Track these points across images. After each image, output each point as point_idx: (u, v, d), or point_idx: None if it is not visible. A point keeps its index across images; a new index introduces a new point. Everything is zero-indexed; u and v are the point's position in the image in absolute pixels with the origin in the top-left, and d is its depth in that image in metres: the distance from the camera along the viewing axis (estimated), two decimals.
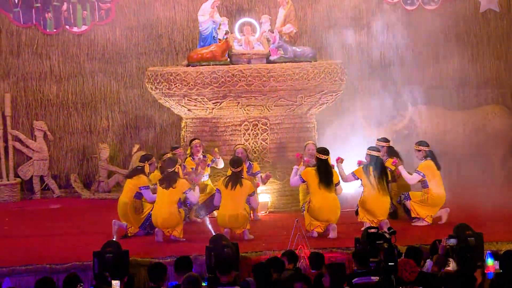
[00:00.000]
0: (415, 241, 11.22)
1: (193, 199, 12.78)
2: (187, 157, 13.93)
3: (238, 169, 12.48)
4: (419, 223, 13.05)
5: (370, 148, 12.80)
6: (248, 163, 13.78)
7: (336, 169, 12.75)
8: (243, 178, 12.54)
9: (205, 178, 13.82)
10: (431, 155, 13.25)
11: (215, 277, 9.02)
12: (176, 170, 12.49)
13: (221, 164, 13.96)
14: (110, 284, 9.02)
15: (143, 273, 10.85)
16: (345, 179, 12.82)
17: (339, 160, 12.84)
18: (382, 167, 12.67)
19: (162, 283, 8.98)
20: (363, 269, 8.95)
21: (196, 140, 13.98)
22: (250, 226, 12.52)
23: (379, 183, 12.50)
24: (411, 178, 13.18)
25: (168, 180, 12.36)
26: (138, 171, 12.98)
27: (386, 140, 13.71)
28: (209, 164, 13.88)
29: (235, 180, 12.38)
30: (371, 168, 12.54)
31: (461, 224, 10.39)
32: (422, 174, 13.10)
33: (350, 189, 13.37)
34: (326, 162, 12.56)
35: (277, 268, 9.21)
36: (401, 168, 13.16)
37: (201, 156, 13.77)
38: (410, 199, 13.12)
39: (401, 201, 13.23)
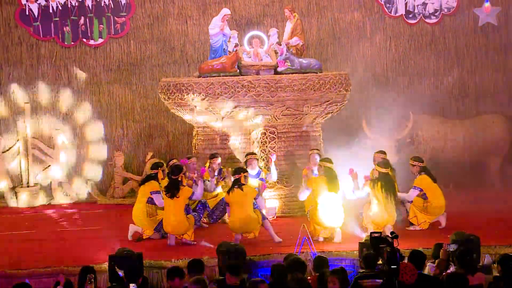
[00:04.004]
0: (417, 245, 11.16)
1: (199, 197, 12.76)
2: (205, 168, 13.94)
3: (236, 177, 12.43)
4: (411, 228, 12.98)
5: (378, 164, 12.67)
6: (257, 169, 13.78)
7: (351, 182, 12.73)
8: (244, 184, 12.43)
9: (219, 190, 13.82)
10: (425, 170, 13.17)
11: (224, 279, 9.02)
12: (180, 178, 12.41)
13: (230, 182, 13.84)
14: (124, 285, 9.03)
15: (156, 275, 10.88)
16: (358, 194, 12.81)
17: (355, 175, 12.74)
18: (390, 183, 12.52)
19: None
20: (370, 271, 8.95)
21: (216, 159, 13.86)
22: (259, 230, 12.47)
23: (386, 199, 12.36)
24: (409, 195, 13.05)
25: (172, 189, 12.31)
26: (150, 177, 13.00)
27: (383, 152, 13.61)
28: (223, 178, 13.88)
29: (235, 185, 12.35)
30: (379, 184, 12.41)
31: (458, 232, 10.34)
32: (419, 189, 13.01)
33: (355, 196, 13.33)
34: (332, 170, 12.53)
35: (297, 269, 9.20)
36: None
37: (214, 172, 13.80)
38: (412, 202, 13.06)
39: (403, 202, 13.17)
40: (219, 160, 13.92)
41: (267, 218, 12.63)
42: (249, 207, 12.27)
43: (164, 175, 13.08)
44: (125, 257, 9.88)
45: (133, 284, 9.00)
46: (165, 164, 13.45)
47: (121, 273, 9.25)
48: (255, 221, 12.27)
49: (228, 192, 12.41)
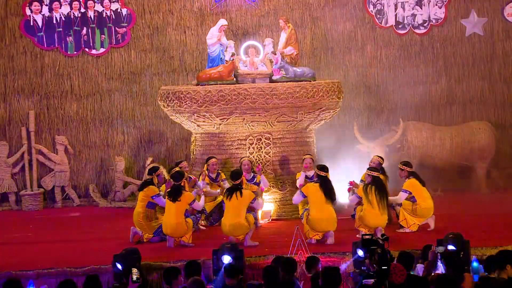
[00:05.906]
0: (407, 247, 11.19)
1: (198, 208, 12.82)
2: (201, 173, 13.91)
3: (237, 182, 12.44)
4: (401, 230, 13.00)
5: (369, 169, 12.69)
6: (252, 174, 13.80)
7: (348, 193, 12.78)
8: (242, 189, 12.48)
9: (217, 192, 13.84)
10: (413, 175, 13.19)
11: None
12: (182, 183, 12.47)
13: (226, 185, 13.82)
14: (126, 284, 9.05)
15: (156, 276, 10.88)
16: (351, 201, 12.84)
17: (354, 185, 12.75)
18: (382, 187, 12.54)
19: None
20: (363, 271, 8.96)
21: (213, 159, 13.95)
22: (253, 233, 12.48)
23: (379, 202, 12.37)
24: (398, 198, 13.07)
25: (174, 193, 12.34)
26: (148, 183, 13.01)
27: (382, 158, 13.66)
28: (219, 182, 13.89)
29: (234, 191, 12.33)
30: (373, 188, 12.42)
31: (457, 234, 10.33)
32: (408, 192, 13.03)
33: (347, 199, 13.35)
34: (326, 178, 12.50)
35: (287, 268, 9.21)
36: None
37: (209, 175, 13.79)
38: (401, 205, 13.09)
39: (393, 205, 13.19)
40: (215, 162, 13.89)
41: (257, 224, 12.57)
42: (242, 213, 12.27)
43: (160, 179, 13.09)
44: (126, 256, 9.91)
45: (135, 270, 8.98)
46: (161, 169, 13.41)
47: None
48: (245, 227, 12.27)
49: (225, 196, 12.40)
